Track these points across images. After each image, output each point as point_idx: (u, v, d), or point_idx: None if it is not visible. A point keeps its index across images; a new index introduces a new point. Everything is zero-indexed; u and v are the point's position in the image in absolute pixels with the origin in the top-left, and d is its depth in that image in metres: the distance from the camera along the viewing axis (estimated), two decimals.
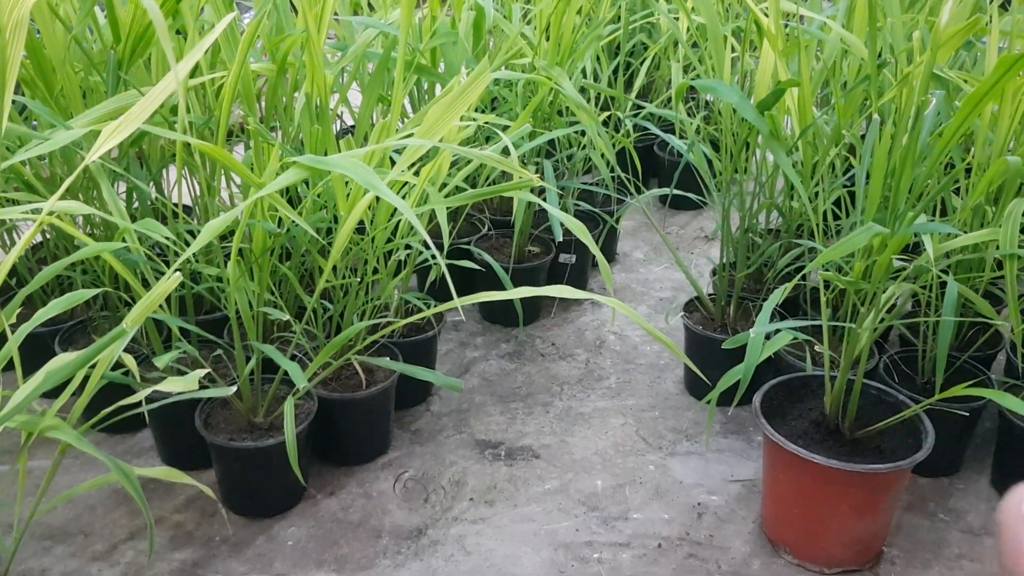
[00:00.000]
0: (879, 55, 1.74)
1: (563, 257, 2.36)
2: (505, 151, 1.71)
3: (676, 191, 2.74)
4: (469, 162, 1.70)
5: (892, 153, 1.40)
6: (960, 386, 1.28)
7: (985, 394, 1.24)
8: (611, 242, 2.64)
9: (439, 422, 1.92)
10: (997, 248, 1.46)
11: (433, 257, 1.94)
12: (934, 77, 1.68)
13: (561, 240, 2.03)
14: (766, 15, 1.56)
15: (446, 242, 1.62)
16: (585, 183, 2.54)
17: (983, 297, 1.88)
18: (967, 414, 1.62)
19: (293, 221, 1.45)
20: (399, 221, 1.67)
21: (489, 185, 2.16)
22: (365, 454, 1.79)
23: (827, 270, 1.61)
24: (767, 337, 1.43)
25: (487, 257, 1.92)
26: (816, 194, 1.87)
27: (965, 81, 1.77)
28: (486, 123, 1.48)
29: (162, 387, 1.15)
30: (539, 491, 1.71)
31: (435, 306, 1.62)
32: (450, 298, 2.39)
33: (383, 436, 1.81)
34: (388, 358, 1.75)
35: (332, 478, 1.74)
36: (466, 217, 2.40)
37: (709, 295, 2.05)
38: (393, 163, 1.55)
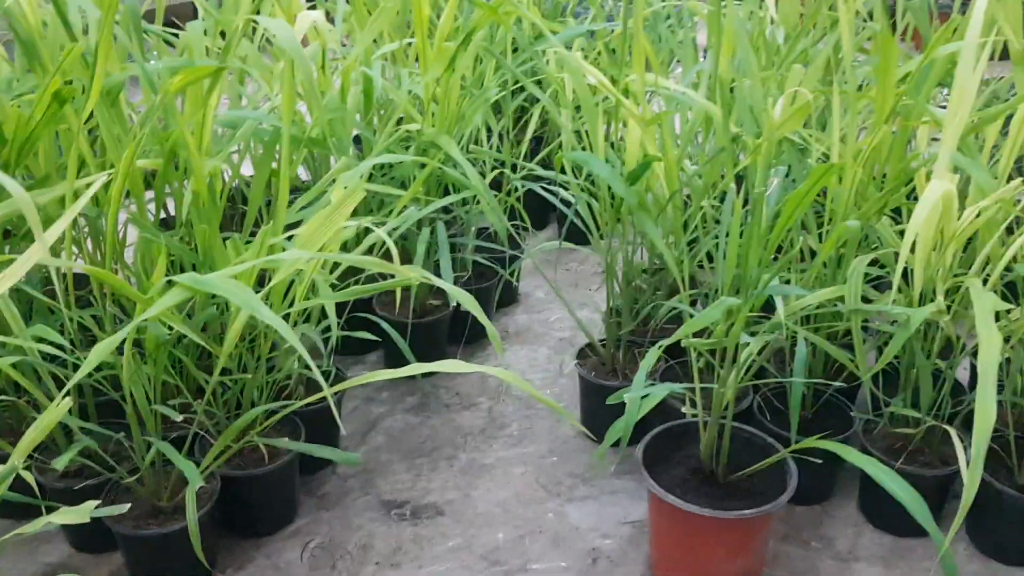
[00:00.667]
0: (740, 123, 1.87)
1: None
2: (387, 250, 1.79)
3: (575, 226, 2.85)
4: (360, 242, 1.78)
5: (744, 226, 1.52)
6: (813, 438, 1.41)
7: (831, 447, 1.37)
8: (513, 282, 2.74)
9: (345, 484, 1.98)
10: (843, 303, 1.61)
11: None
12: (788, 142, 1.82)
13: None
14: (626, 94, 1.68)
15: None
16: (486, 228, 2.63)
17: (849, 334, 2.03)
18: (820, 462, 1.77)
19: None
20: (294, 297, 1.73)
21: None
22: (272, 525, 1.84)
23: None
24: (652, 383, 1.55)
25: (385, 325, 2.00)
26: (690, 246, 2.00)
27: (818, 140, 1.92)
28: (368, 224, 1.55)
29: (54, 518, 1.19)
30: (443, 549, 1.80)
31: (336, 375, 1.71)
32: (360, 354, 2.46)
33: (289, 505, 1.87)
34: (287, 439, 1.81)
35: (240, 552, 1.79)
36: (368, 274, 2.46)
37: (601, 340, 2.17)
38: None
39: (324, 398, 1.98)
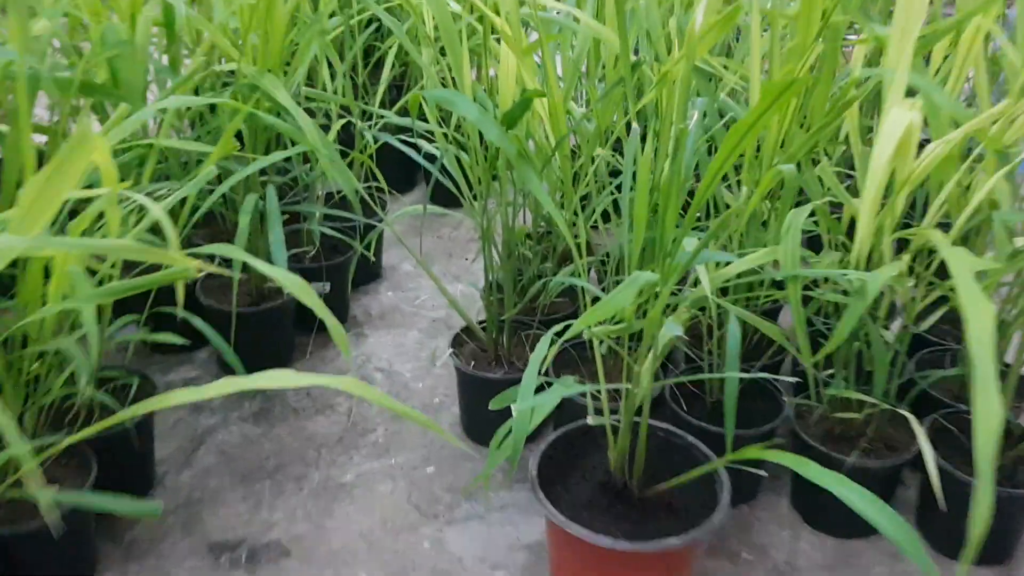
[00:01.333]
0: (635, 50, 1.52)
1: (314, 287, 2.02)
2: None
3: (445, 187, 2.46)
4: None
5: (655, 174, 1.17)
6: (753, 447, 1.08)
7: (781, 460, 1.04)
8: (375, 254, 2.33)
9: (163, 524, 1.55)
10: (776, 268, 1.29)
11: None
12: (697, 71, 1.48)
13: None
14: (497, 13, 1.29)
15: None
16: (339, 193, 2.22)
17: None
18: (764, 474, 1.46)
19: None
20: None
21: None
22: None
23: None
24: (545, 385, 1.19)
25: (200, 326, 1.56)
26: (582, 205, 1.65)
27: (731, 70, 1.59)
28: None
29: None
30: None
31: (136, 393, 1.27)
32: (189, 350, 2.01)
33: (84, 562, 1.43)
34: (57, 486, 1.36)
35: None
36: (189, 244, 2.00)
37: (480, 322, 1.80)
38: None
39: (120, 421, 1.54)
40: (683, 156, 0.99)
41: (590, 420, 1.25)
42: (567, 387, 1.21)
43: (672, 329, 1.05)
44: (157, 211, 1.11)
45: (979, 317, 0.98)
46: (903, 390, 1.52)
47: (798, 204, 1.33)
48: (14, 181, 1.31)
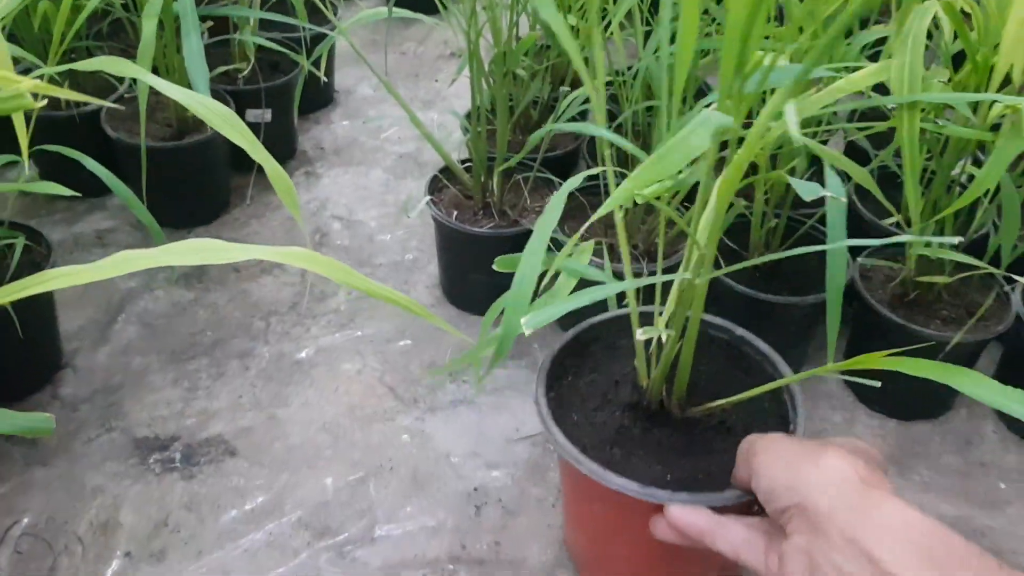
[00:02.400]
0: None
1: (251, 115, 1.64)
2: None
3: None
4: None
5: None
6: (874, 355, 0.78)
7: (924, 372, 0.74)
8: (326, 74, 1.93)
9: (75, 416, 1.24)
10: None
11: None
12: None
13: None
14: None
15: None
16: None
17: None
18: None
19: None
20: None
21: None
22: None
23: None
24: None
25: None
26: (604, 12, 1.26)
27: None
28: None
29: None
30: (237, 517, 1.12)
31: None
32: (99, 195, 1.63)
33: None
34: None
35: None
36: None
37: (463, 162, 1.44)
38: None
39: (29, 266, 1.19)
40: None
41: (642, 333, 0.89)
42: (590, 273, 0.88)
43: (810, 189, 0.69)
44: None
45: None
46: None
47: None
48: None
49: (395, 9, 1.33)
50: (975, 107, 1.01)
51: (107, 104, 1.07)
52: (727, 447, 0.88)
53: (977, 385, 0.68)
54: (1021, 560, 1.11)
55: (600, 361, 1.00)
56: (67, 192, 1.11)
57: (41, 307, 1.26)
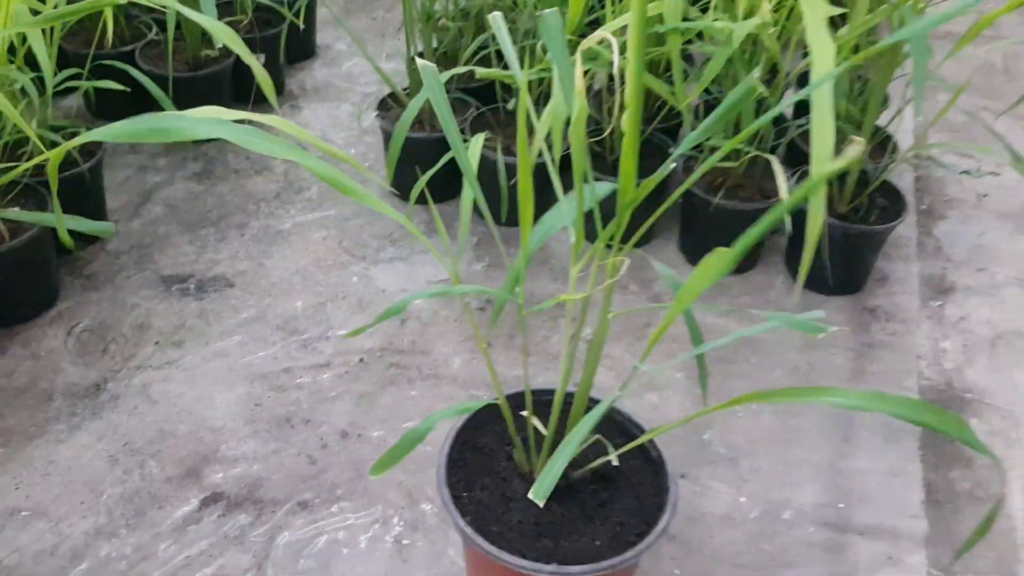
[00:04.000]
0: None
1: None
2: None
3: None
4: None
5: None
6: (748, 395, 1.23)
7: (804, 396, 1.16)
8: (309, 33, 2.41)
9: (117, 262, 1.73)
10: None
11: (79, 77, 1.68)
12: None
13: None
14: None
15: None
16: None
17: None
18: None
19: None
20: (11, 38, 1.39)
21: None
22: (28, 311, 1.59)
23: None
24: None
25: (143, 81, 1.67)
26: None
27: None
28: None
29: None
30: (233, 323, 1.61)
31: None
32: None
33: (47, 288, 1.61)
34: (19, 208, 1.52)
35: None
36: (129, 19, 2.07)
37: (404, 89, 1.93)
38: None
39: (76, 165, 1.68)
40: None
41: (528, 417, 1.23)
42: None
43: None
44: None
45: (822, 52, 1.15)
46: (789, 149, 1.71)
47: None
48: None
49: None
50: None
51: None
52: (609, 497, 1.08)
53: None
54: (775, 352, 1.59)
55: (492, 451, 1.14)
56: (120, 87, 1.59)
57: (95, 188, 1.75)
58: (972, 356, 1.65)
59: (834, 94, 1.63)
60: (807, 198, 0.75)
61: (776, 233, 1.85)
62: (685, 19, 1.48)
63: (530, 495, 0.77)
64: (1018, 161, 1.54)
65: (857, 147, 0.65)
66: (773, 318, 0.84)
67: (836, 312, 1.69)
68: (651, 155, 1.79)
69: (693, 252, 1.80)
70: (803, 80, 1.92)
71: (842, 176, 1.66)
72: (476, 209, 1.86)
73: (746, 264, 1.79)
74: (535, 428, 1.06)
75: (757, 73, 1.51)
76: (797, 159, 1.87)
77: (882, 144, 1.79)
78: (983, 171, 1.86)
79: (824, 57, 1.12)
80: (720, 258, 0.73)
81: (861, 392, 0.79)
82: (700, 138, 0.84)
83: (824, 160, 1.08)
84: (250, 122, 0.88)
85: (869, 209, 1.68)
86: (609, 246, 0.93)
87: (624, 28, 1.57)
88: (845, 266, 1.70)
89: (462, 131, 1.81)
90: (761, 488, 1.37)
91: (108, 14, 1.70)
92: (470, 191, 1.06)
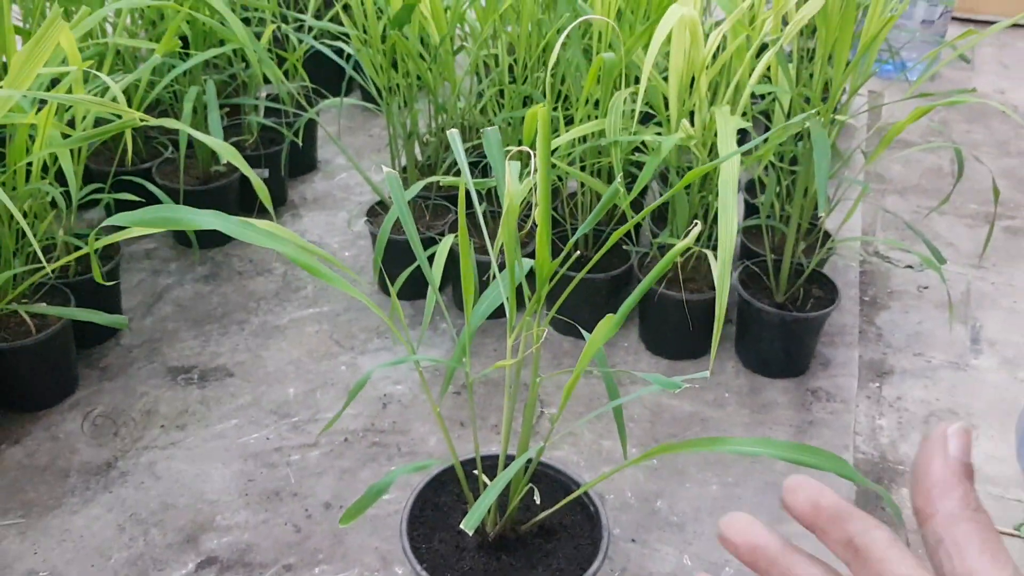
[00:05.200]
0: None
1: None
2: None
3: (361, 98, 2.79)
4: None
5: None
6: (657, 448, 1.45)
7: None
8: (310, 149, 2.67)
9: (129, 355, 1.92)
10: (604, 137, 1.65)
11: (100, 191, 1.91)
12: None
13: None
14: None
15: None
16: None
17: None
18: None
19: None
20: (45, 159, 1.62)
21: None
22: (50, 398, 1.77)
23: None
24: None
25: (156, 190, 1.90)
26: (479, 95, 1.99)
27: None
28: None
29: None
30: (231, 408, 1.79)
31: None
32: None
33: (68, 377, 1.80)
34: (45, 303, 1.72)
35: (17, 426, 1.72)
36: (147, 140, 2.33)
37: (390, 197, 2.15)
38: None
39: (91, 270, 1.89)
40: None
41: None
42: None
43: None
44: (114, 87, 1.44)
45: (727, 165, 1.36)
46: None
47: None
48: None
49: (363, 103, 2.06)
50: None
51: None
52: (552, 548, 1.23)
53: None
54: (723, 428, 1.75)
55: (449, 508, 1.29)
56: (138, 199, 1.81)
57: (112, 288, 1.95)
58: (906, 432, 1.80)
59: (768, 194, 1.84)
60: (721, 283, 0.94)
61: (729, 323, 2.03)
62: (634, 133, 1.70)
63: (462, 525, 0.93)
64: (929, 260, 1.73)
65: (696, 228, 0.84)
66: (649, 377, 1.01)
67: (780, 393, 1.86)
68: (612, 255, 1.99)
69: (648, 339, 1.98)
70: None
71: (777, 268, 1.86)
72: (456, 302, 2.06)
73: (700, 349, 1.96)
74: (485, 485, 1.22)
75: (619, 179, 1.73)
76: (745, 256, 2.06)
77: (823, 240, 1.99)
78: (923, 266, 2.05)
79: (728, 167, 1.34)
80: (607, 323, 0.91)
81: (752, 439, 0.96)
82: (585, 229, 1.03)
83: (727, 250, 1.28)
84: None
85: (805, 298, 1.87)
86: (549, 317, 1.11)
87: (581, 138, 1.80)
88: (786, 351, 1.87)
89: (442, 233, 2.02)
90: (704, 549, 1.51)
91: (128, 135, 1.94)
92: (433, 291, 1.25)
